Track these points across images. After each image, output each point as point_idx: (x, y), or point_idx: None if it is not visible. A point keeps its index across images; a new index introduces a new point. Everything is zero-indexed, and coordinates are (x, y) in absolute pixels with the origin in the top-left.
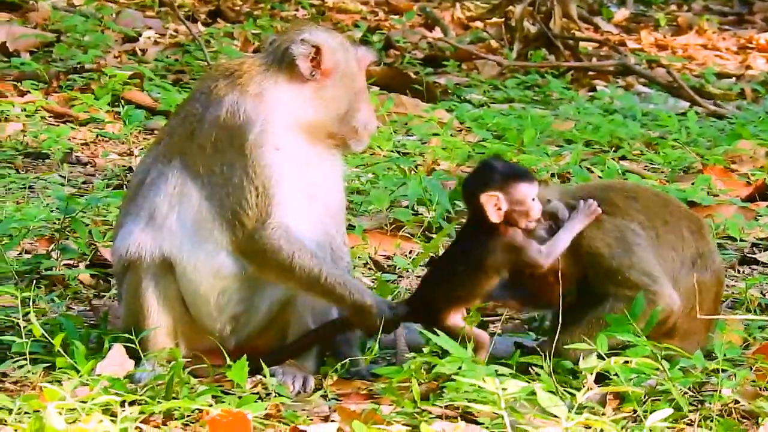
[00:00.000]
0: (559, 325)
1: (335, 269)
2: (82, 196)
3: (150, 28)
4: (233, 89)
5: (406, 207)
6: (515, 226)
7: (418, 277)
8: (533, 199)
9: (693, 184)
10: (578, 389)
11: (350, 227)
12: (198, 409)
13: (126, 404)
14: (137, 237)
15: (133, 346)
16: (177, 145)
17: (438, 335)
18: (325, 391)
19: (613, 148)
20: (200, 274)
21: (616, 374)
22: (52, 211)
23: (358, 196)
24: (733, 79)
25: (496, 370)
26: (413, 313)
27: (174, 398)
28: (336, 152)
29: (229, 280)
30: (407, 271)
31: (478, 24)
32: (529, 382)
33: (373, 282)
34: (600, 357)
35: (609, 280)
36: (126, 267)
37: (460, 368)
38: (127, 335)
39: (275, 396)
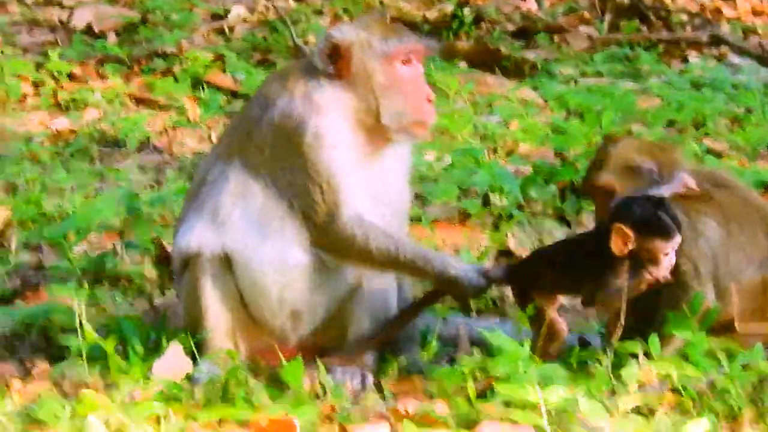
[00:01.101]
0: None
1: (412, 244)
2: (155, 186)
3: (240, 3)
4: (283, 92)
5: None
6: (640, 266)
7: None
8: (666, 254)
9: None
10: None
11: (418, 219)
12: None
13: (172, 411)
14: (199, 233)
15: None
16: (236, 145)
17: (496, 333)
18: (383, 390)
19: (697, 127)
20: (264, 269)
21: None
22: (119, 206)
23: (431, 185)
24: None
25: (548, 371)
26: (506, 280)
27: (230, 399)
28: (399, 145)
29: (292, 275)
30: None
31: None
32: (582, 384)
33: None
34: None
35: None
36: (185, 264)
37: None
38: (183, 335)
39: (332, 396)
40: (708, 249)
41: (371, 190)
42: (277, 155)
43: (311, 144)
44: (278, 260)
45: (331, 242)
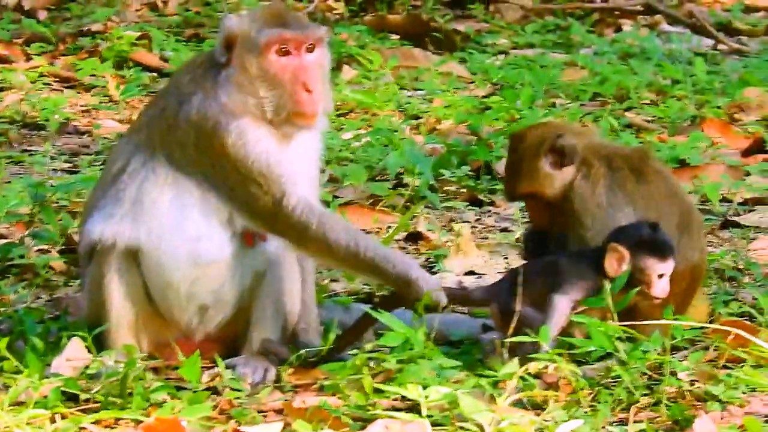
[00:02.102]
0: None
1: (374, 242)
2: (73, 172)
3: None
4: (197, 87)
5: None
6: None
7: None
8: (660, 276)
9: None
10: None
11: (326, 202)
12: (152, 404)
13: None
14: (116, 222)
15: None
16: (158, 138)
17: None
18: (284, 384)
19: (621, 99)
20: (176, 263)
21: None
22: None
23: (346, 166)
24: (762, 12)
25: (441, 365)
26: (488, 300)
27: (129, 395)
28: (307, 130)
29: (204, 270)
30: None
31: None
32: (472, 378)
33: None
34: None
35: (573, 238)
36: (92, 252)
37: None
38: (84, 329)
39: (230, 391)
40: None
41: (295, 166)
42: (203, 154)
43: (234, 143)
44: (192, 254)
45: (284, 229)
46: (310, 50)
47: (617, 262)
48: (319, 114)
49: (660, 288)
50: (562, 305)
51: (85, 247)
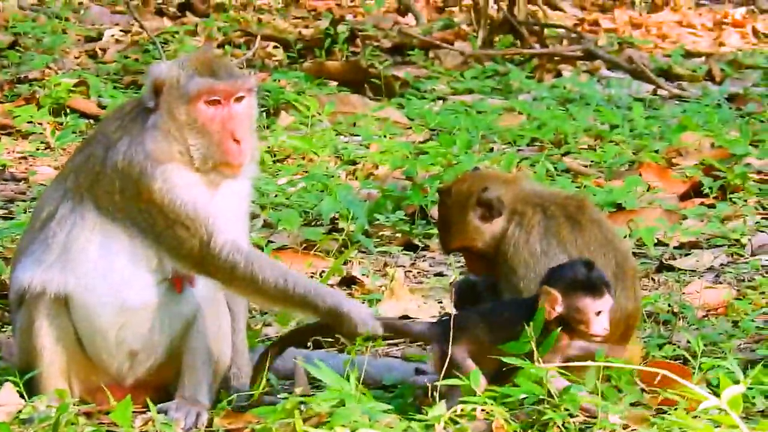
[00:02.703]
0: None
1: (303, 277)
2: (8, 218)
3: (117, 25)
4: (123, 133)
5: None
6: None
7: None
8: (598, 314)
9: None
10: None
11: (260, 247)
12: None
13: None
14: (44, 270)
15: (23, 385)
16: (84, 185)
17: (322, 369)
18: (216, 428)
19: (559, 144)
20: (104, 309)
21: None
22: None
23: (280, 212)
24: (703, 58)
25: (372, 408)
26: (429, 335)
27: None
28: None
29: (131, 316)
30: None
31: (454, 9)
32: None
33: None
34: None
35: (506, 287)
36: (22, 300)
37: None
38: (12, 377)
39: None
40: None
41: (222, 209)
42: (129, 200)
43: (161, 189)
44: (119, 301)
45: (212, 270)
46: (239, 100)
47: (550, 305)
48: (245, 164)
49: (599, 326)
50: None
51: (14, 293)
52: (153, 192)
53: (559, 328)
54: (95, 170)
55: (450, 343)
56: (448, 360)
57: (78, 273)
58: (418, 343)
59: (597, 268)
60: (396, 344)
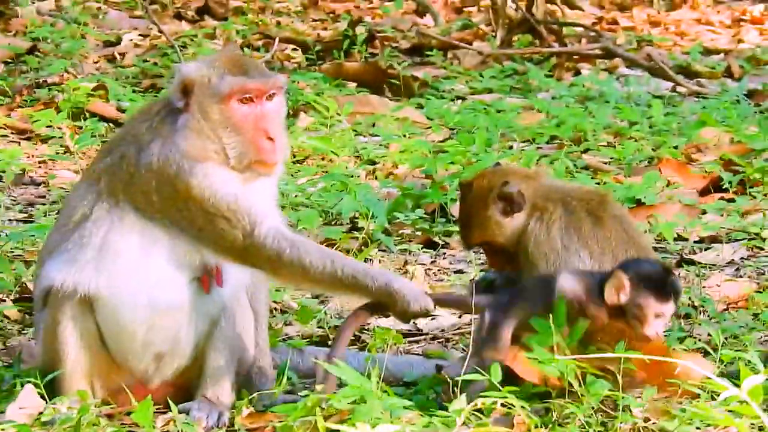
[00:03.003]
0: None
1: (350, 259)
2: (28, 222)
3: (136, 29)
4: (153, 135)
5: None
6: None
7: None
8: (657, 316)
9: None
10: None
11: None
12: None
13: None
14: (78, 269)
15: (44, 386)
16: (119, 187)
17: (338, 366)
18: (237, 427)
19: (578, 142)
20: (134, 312)
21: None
22: None
23: (300, 212)
24: (721, 55)
25: (393, 405)
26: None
27: None
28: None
29: (161, 318)
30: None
31: (472, 9)
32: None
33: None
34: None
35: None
36: (47, 301)
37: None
38: (33, 379)
39: None
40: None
41: (259, 200)
42: (167, 200)
43: (200, 184)
44: (150, 302)
45: (258, 260)
46: (270, 98)
47: (616, 290)
48: (279, 162)
49: (653, 328)
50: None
51: (41, 292)
52: (191, 189)
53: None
54: (129, 171)
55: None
56: (489, 330)
57: (112, 273)
58: (439, 340)
59: (676, 277)
60: (417, 341)
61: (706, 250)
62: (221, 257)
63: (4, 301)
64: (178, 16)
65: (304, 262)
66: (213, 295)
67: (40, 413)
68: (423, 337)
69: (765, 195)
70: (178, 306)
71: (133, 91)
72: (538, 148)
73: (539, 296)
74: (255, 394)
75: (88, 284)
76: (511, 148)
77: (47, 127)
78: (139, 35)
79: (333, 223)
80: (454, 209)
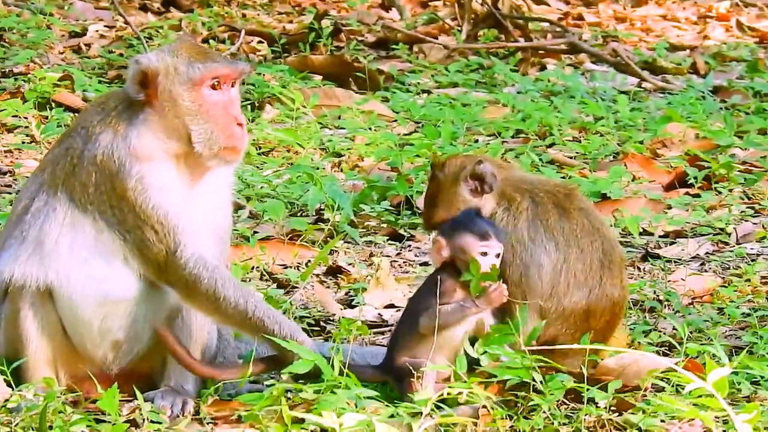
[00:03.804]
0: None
1: (263, 303)
2: None
3: (101, 20)
4: (105, 128)
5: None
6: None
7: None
8: (483, 254)
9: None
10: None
11: (246, 238)
12: None
13: None
14: (22, 263)
15: (9, 374)
16: (60, 177)
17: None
18: (203, 416)
19: (543, 136)
20: (86, 302)
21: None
22: None
23: (266, 203)
24: (687, 51)
25: (359, 395)
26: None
27: (50, 428)
28: (220, 170)
29: (114, 308)
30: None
31: (437, 3)
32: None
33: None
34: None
35: None
36: (6, 293)
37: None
38: (2, 364)
39: (149, 423)
40: (538, 277)
41: (199, 217)
42: (103, 195)
43: (135, 188)
44: (100, 293)
45: (174, 280)
46: (233, 85)
47: (436, 252)
48: (245, 148)
49: (485, 265)
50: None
51: None
52: (127, 189)
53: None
54: (72, 162)
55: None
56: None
57: (56, 266)
58: None
59: (484, 217)
60: (382, 332)
61: (671, 244)
62: (143, 267)
63: None
64: (144, 8)
65: (219, 295)
66: None
67: (6, 400)
68: (388, 328)
69: (730, 190)
70: (130, 296)
71: (99, 82)
72: (503, 142)
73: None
74: (220, 383)
75: (36, 278)
76: (476, 141)
77: (13, 116)
78: (105, 26)
79: (299, 214)
80: (420, 202)
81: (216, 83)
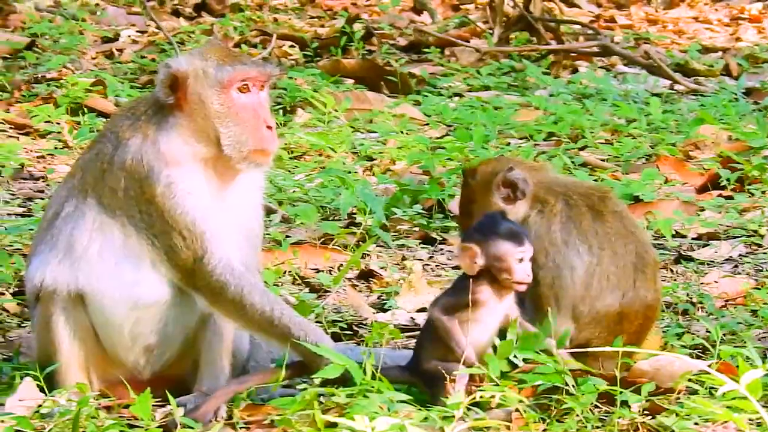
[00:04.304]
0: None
1: (290, 310)
2: (27, 216)
3: (134, 25)
4: (135, 132)
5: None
6: (497, 281)
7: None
8: (519, 261)
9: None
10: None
11: (278, 242)
12: None
13: None
14: (53, 268)
15: (42, 379)
16: (90, 182)
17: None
18: (236, 420)
19: (576, 139)
20: (116, 306)
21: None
22: None
23: (298, 207)
24: (719, 53)
25: (391, 398)
26: (409, 376)
27: None
28: (251, 174)
29: (145, 312)
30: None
31: (469, 6)
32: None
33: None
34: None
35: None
36: (38, 298)
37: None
38: (32, 371)
39: (182, 428)
40: (571, 280)
41: (230, 222)
42: (132, 200)
43: (164, 193)
44: (131, 298)
45: (201, 286)
46: (262, 88)
47: (470, 260)
48: (276, 151)
49: (521, 272)
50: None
51: (30, 291)
52: (156, 194)
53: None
54: (102, 167)
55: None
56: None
57: (86, 271)
58: None
59: (510, 219)
60: (414, 336)
61: (704, 246)
62: (169, 271)
63: (3, 294)
64: (176, 13)
65: (245, 302)
66: None
67: (39, 406)
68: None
69: (763, 192)
70: (161, 301)
71: (131, 87)
72: (535, 145)
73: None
74: (252, 387)
75: (67, 282)
76: (508, 144)
77: (46, 122)
78: (137, 31)
79: (331, 218)
80: (452, 205)
81: (245, 86)
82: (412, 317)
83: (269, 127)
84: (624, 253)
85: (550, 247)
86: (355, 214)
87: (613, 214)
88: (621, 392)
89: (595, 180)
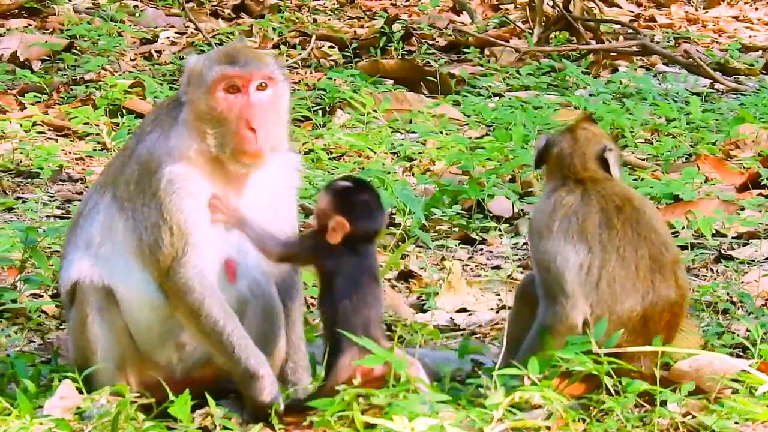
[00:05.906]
0: (504, 345)
1: (242, 330)
2: (65, 218)
3: (172, 26)
4: (155, 127)
5: None
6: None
7: None
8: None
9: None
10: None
11: None
12: None
13: None
14: (77, 266)
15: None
16: (111, 176)
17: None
18: (275, 422)
19: (616, 138)
20: (141, 304)
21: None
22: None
23: None
24: (760, 52)
25: (430, 399)
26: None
27: None
28: (281, 174)
29: (165, 310)
30: None
31: (508, 6)
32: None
33: None
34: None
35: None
36: (71, 298)
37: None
38: (70, 374)
39: (221, 429)
40: (568, 270)
41: (244, 221)
42: (140, 190)
43: (165, 189)
44: (147, 296)
45: (170, 288)
46: (262, 89)
47: (339, 231)
48: (264, 153)
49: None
50: None
51: (63, 293)
52: (160, 188)
53: None
54: (123, 161)
55: None
56: None
57: (109, 269)
58: (476, 335)
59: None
60: (454, 337)
61: (744, 245)
62: (149, 266)
63: (42, 296)
64: (215, 14)
65: (202, 311)
66: (237, 286)
67: (78, 407)
68: (460, 332)
69: None
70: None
71: (170, 89)
72: None
73: None
74: (291, 389)
75: (96, 283)
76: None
77: (84, 124)
78: (176, 33)
79: None
80: (491, 205)
81: (232, 87)
82: (451, 318)
83: (252, 129)
84: (634, 258)
85: (546, 231)
86: (394, 214)
87: (624, 223)
88: (661, 392)
89: (635, 180)
